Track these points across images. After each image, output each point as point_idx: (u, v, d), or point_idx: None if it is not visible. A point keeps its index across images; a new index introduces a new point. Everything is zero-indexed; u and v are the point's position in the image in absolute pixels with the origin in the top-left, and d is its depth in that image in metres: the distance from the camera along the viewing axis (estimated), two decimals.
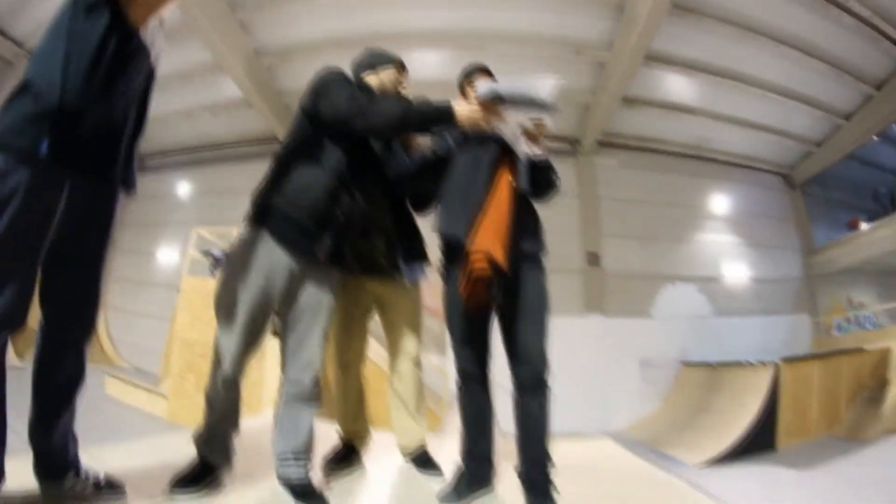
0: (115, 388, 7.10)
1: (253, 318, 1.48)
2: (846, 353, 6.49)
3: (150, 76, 1.37)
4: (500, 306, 1.62)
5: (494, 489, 1.64)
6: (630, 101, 7.79)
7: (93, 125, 1.20)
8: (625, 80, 7.00)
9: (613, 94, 7.30)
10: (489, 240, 1.47)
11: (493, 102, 1.48)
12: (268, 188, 1.55)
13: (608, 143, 8.66)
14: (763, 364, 5.97)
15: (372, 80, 1.76)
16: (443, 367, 6.83)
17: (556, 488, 1.53)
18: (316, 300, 1.57)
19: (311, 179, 1.52)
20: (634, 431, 7.10)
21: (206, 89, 8.16)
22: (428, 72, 7.51)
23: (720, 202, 9.15)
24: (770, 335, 8.30)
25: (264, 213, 1.52)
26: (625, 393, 7.82)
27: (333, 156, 1.54)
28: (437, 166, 1.78)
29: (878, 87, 7.27)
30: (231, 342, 1.46)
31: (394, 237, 1.84)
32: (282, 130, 9.14)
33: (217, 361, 1.49)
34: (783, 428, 5.46)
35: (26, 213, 1.10)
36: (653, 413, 7.58)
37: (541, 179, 1.65)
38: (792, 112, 7.95)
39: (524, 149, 1.61)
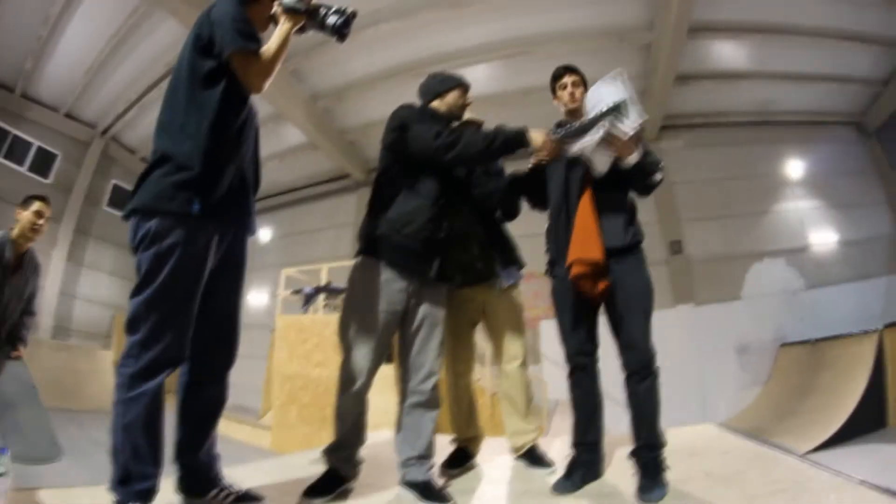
0: (220, 425, 7.76)
1: (381, 337, 1.68)
2: None
3: (257, 134, 1.58)
4: (606, 300, 1.72)
5: (604, 476, 1.70)
6: (684, 78, 7.53)
7: (229, 183, 1.39)
8: (673, 57, 6.80)
9: (665, 74, 7.11)
10: (578, 249, 1.69)
11: (564, 140, 1.69)
12: (373, 221, 1.74)
13: (671, 126, 8.40)
14: (865, 333, 5.46)
15: (439, 106, 1.94)
16: (539, 376, 6.85)
17: (666, 468, 1.58)
18: (431, 314, 1.75)
19: (412, 208, 1.71)
20: (735, 422, 6.65)
21: (271, 139, 8.81)
22: (480, 86, 7.81)
23: (795, 166, 8.50)
24: (870, 301, 7.48)
25: (376, 245, 1.71)
26: (723, 383, 7.36)
27: (425, 183, 1.73)
28: (520, 184, 1.99)
29: None
30: (363, 360, 1.65)
31: (487, 245, 2.01)
32: (348, 166, 9.71)
33: (347, 380, 1.66)
34: (893, 402, 4.93)
35: (184, 266, 1.30)
36: (753, 401, 7.05)
37: (638, 183, 1.76)
38: (850, 54, 7.28)
39: (603, 165, 1.73)
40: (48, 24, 6.63)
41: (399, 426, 1.73)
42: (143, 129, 9.20)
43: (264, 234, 10.90)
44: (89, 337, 9.39)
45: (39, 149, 8.54)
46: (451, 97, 1.94)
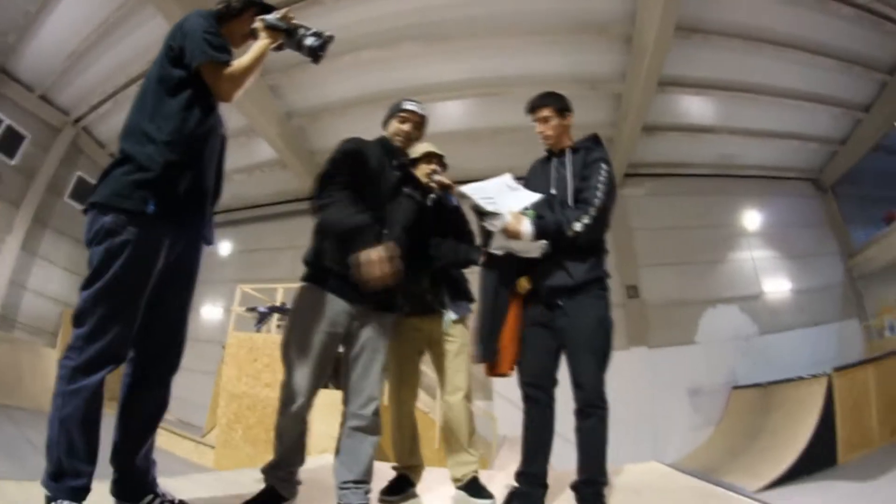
0: (162, 439, 7.35)
1: (321, 358, 1.70)
2: None
3: (223, 144, 1.62)
4: (561, 336, 1.75)
5: None
6: (650, 129, 7.92)
7: (187, 189, 1.42)
8: (642, 108, 7.14)
9: (633, 124, 7.44)
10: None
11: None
12: (317, 251, 1.79)
13: (634, 174, 8.75)
14: (815, 377, 5.69)
15: (389, 136, 1.99)
16: (490, 411, 6.82)
17: None
18: (374, 340, 1.77)
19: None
20: (687, 461, 6.76)
21: (241, 152, 8.73)
22: (453, 122, 7.97)
23: (752, 217, 8.99)
24: (820, 346, 7.90)
25: (320, 274, 1.75)
26: (675, 424, 7.55)
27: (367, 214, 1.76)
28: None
29: (891, 73, 7.11)
30: (303, 380, 1.66)
31: (438, 277, 2.02)
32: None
33: (287, 400, 1.67)
34: (843, 440, 5.15)
35: (134, 264, 1.33)
36: (705, 441, 7.24)
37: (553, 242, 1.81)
38: (810, 114, 7.89)
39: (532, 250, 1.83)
40: (37, 0, 6.46)
41: (338, 449, 1.71)
42: (115, 123, 8.94)
43: (224, 247, 10.65)
44: (35, 332, 8.84)
45: (9, 128, 8.19)
46: (392, 126, 1.99)
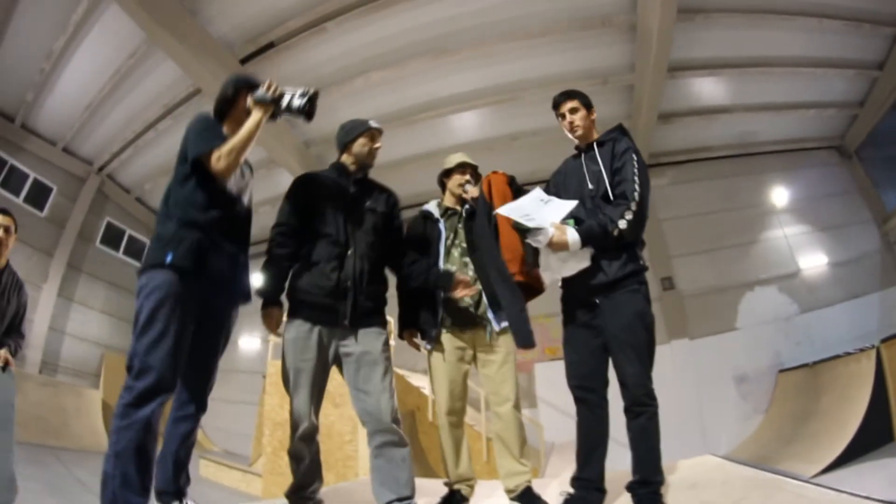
0: (208, 470, 7.51)
1: (314, 384, 1.80)
2: None
3: (247, 214, 1.94)
4: (602, 334, 1.74)
5: None
6: (666, 116, 7.79)
7: (203, 247, 1.70)
8: (655, 96, 7.03)
9: (648, 113, 7.34)
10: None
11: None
12: (290, 286, 1.93)
13: (656, 164, 8.61)
14: (862, 350, 5.45)
15: (346, 159, 2.03)
16: (535, 419, 6.75)
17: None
18: (366, 355, 1.82)
19: (312, 269, 1.87)
20: (739, 451, 6.54)
21: (265, 184, 8.87)
22: (470, 133, 8.02)
23: (779, 193, 8.70)
24: (865, 318, 7.51)
25: (294, 305, 1.89)
26: (723, 414, 7.32)
27: (320, 244, 1.91)
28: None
29: None
30: (304, 406, 1.77)
31: (419, 298, 2.05)
32: None
33: (295, 425, 1.78)
34: None
35: (161, 307, 1.59)
36: (755, 430, 6.99)
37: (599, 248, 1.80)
38: (824, 80, 7.62)
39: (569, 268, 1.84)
40: (51, 58, 6.75)
41: (372, 470, 1.73)
42: (137, 168, 9.29)
43: (258, 278, 10.85)
44: (77, 375, 9.16)
45: (35, 181, 8.56)
46: (357, 146, 2.04)
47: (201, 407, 1.80)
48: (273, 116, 1.83)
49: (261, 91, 1.79)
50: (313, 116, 1.85)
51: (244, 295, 1.87)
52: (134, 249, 10.30)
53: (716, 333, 7.82)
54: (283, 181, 8.82)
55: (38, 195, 8.64)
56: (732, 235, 8.43)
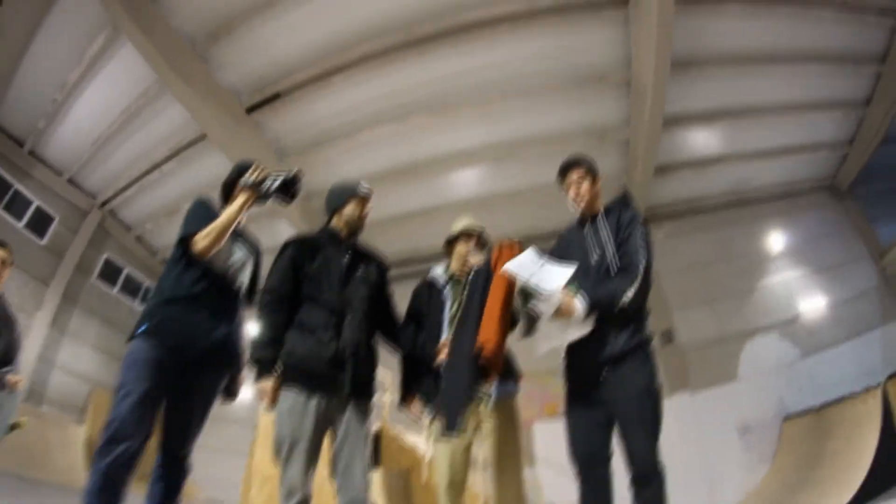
0: None
1: (311, 452, 1.78)
2: None
3: (236, 295, 2.08)
4: (609, 408, 1.71)
5: None
6: (662, 170, 7.94)
7: (182, 321, 1.90)
8: (651, 150, 7.20)
9: (644, 167, 7.49)
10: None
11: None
12: (286, 351, 1.90)
13: (653, 217, 8.70)
14: (867, 390, 5.36)
15: (337, 222, 2.05)
16: (534, 479, 6.55)
17: None
18: (355, 431, 1.81)
19: (307, 337, 1.87)
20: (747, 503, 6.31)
21: (265, 234, 9.18)
22: (469, 190, 8.15)
23: (775, 239, 8.79)
24: (868, 357, 7.43)
25: (289, 372, 1.86)
26: (728, 466, 7.10)
27: (313, 310, 1.92)
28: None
29: (883, 61, 7.00)
30: (298, 475, 1.75)
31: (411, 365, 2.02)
32: None
33: (288, 493, 1.74)
34: None
35: (135, 369, 1.80)
36: (762, 480, 6.75)
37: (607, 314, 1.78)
38: (814, 122, 7.86)
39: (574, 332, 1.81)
40: (65, 89, 6.90)
41: None
42: (140, 207, 9.34)
43: (253, 330, 10.76)
44: (63, 408, 8.89)
45: (38, 208, 8.52)
46: (348, 210, 2.07)
47: (179, 468, 1.93)
48: (259, 199, 2.00)
49: (245, 176, 1.98)
50: (296, 197, 2.01)
51: (231, 366, 2.04)
52: (131, 288, 10.20)
53: (717, 385, 7.72)
54: (284, 231, 8.90)
55: (40, 223, 8.63)
56: (730, 285, 8.46)
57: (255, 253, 2.22)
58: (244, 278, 2.11)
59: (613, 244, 1.83)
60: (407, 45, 6.11)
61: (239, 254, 2.10)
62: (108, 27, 5.98)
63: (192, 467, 1.99)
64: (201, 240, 1.90)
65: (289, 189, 1.96)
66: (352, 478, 1.75)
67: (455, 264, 2.24)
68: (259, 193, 1.96)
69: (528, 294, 1.77)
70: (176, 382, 1.87)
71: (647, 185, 7.90)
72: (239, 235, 2.15)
